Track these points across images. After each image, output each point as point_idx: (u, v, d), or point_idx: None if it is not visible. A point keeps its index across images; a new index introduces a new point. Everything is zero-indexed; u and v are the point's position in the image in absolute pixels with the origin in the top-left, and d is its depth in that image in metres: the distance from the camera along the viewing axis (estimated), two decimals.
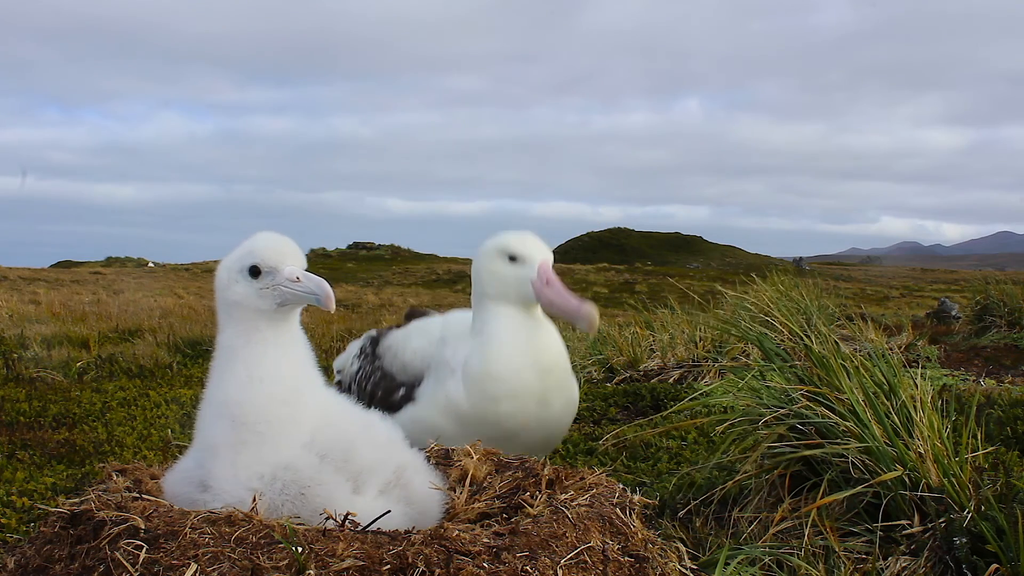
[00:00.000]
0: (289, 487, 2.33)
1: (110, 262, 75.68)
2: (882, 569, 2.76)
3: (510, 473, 2.80)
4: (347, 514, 2.20)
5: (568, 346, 3.58)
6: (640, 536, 2.42)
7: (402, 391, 3.62)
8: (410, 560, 1.99)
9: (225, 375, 2.43)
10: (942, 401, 3.29)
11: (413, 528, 2.31)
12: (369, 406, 2.83)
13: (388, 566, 1.99)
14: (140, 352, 9.32)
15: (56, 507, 2.29)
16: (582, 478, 2.66)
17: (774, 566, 2.81)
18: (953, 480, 2.92)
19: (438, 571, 1.98)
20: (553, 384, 3.34)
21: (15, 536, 3.37)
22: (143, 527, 2.07)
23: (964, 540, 2.70)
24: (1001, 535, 2.64)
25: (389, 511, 2.33)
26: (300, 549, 1.99)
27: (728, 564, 2.72)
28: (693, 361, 7.54)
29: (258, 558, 1.98)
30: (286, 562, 1.97)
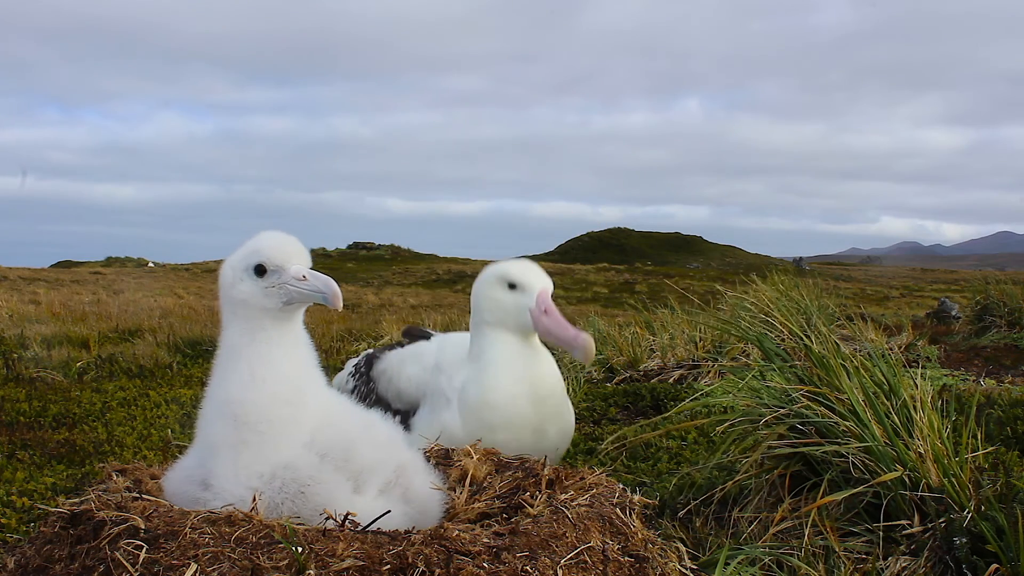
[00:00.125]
0: (289, 486, 2.33)
1: (110, 262, 75.69)
2: (882, 569, 2.76)
3: (510, 473, 2.80)
4: (347, 514, 2.20)
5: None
6: (640, 536, 2.42)
7: (397, 419, 3.63)
8: (410, 560, 1.99)
9: (228, 374, 2.43)
10: (942, 401, 3.29)
11: (413, 528, 2.31)
12: None
13: (388, 566, 1.99)
14: (140, 352, 9.32)
15: (56, 507, 2.29)
16: (582, 478, 2.66)
17: (774, 566, 2.82)
18: (953, 480, 2.92)
19: (438, 571, 1.98)
20: (549, 413, 3.35)
21: (15, 536, 3.37)
22: (143, 527, 2.07)
23: (964, 540, 2.70)
24: (1001, 535, 2.64)
25: (389, 511, 2.34)
26: (300, 549, 1.99)
27: (728, 564, 2.72)
28: (693, 361, 7.54)
29: (258, 558, 1.98)
30: (286, 562, 1.97)
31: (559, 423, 3.41)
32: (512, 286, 3.39)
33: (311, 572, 1.96)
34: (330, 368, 3.02)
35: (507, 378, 3.31)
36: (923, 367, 5.44)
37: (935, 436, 3.07)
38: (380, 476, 2.49)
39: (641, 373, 7.54)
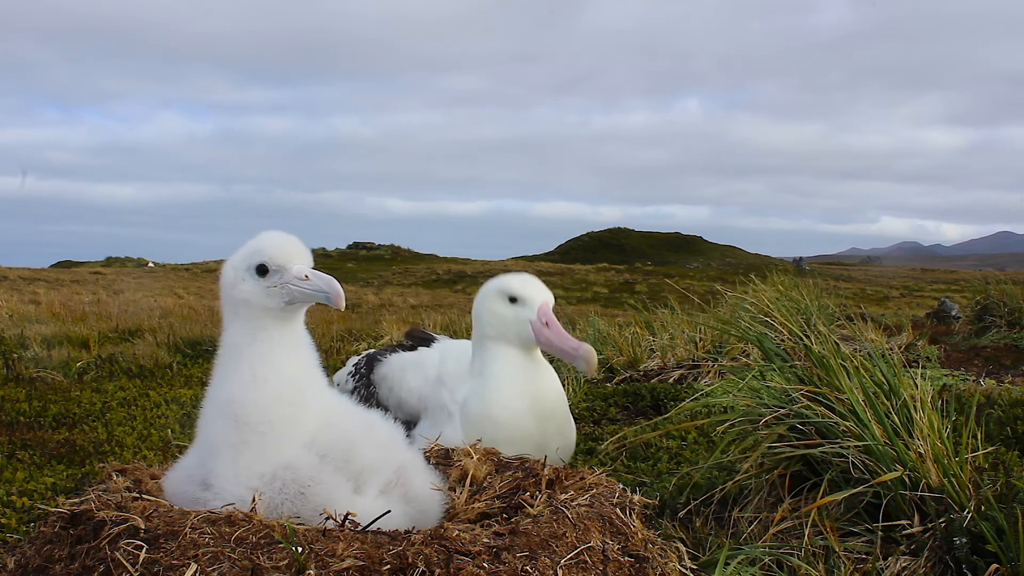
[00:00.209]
0: (289, 486, 2.33)
1: (110, 262, 75.71)
2: (882, 569, 2.76)
3: (510, 473, 2.80)
4: (347, 514, 2.20)
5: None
6: (640, 536, 2.42)
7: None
8: (410, 560, 1.99)
9: (229, 374, 2.43)
10: (942, 401, 3.29)
11: (413, 528, 2.31)
12: None
13: (388, 566, 1.99)
14: (140, 352, 9.32)
15: (56, 507, 2.29)
16: (582, 478, 2.67)
17: (774, 566, 2.82)
18: (953, 480, 2.92)
19: (438, 571, 1.98)
20: (552, 430, 3.35)
21: (15, 536, 3.37)
22: (143, 527, 2.07)
23: (964, 540, 2.70)
24: (1001, 535, 2.64)
25: (389, 511, 2.34)
26: (300, 549, 1.99)
27: (728, 564, 2.72)
28: (693, 361, 7.54)
29: (258, 558, 1.98)
30: (286, 562, 1.97)
31: (561, 437, 3.40)
32: (513, 300, 3.39)
33: (311, 572, 1.96)
34: (330, 368, 3.03)
35: (510, 393, 3.31)
36: (923, 367, 5.44)
37: (935, 436, 3.07)
38: (380, 476, 2.49)
39: (641, 373, 7.54)
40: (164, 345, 10.01)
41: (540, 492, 2.58)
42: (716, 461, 3.67)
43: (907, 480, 2.97)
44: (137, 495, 2.32)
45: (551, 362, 3.58)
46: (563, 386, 3.59)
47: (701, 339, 7.92)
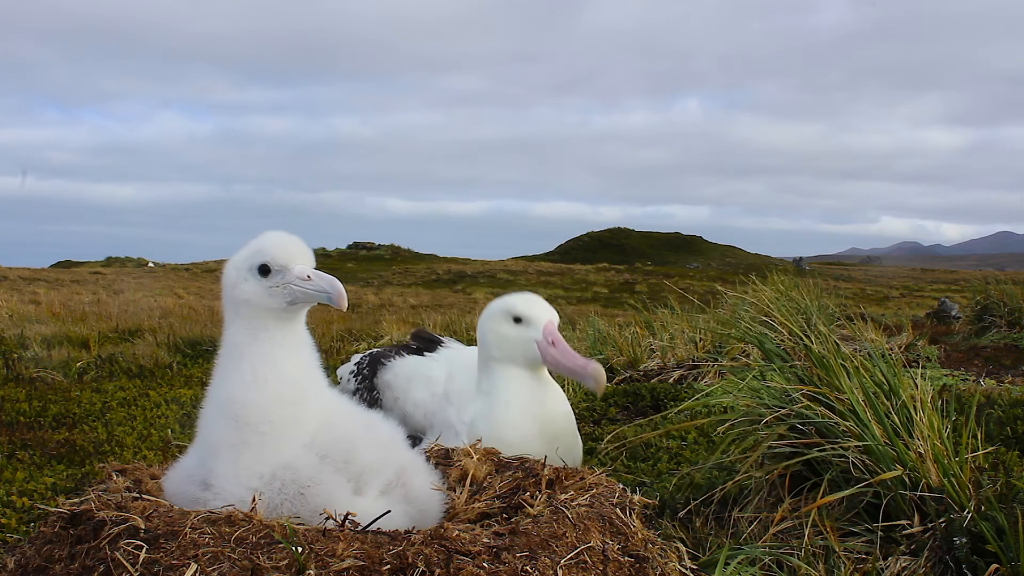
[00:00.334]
0: (288, 487, 2.33)
1: (110, 262, 75.73)
2: (882, 569, 2.76)
3: (510, 473, 2.80)
4: (347, 514, 2.20)
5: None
6: (640, 536, 2.42)
7: None
8: (410, 560, 2.00)
9: (230, 373, 2.43)
10: (942, 401, 3.29)
11: (413, 528, 2.31)
12: None
13: (388, 566, 1.99)
14: (140, 352, 9.32)
15: (56, 507, 2.29)
16: (582, 478, 2.67)
17: (774, 566, 2.81)
18: (953, 480, 2.92)
19: (438, 571, 1.98)
20: (561, 450, 3.31)
21: (15, 536, 3.37)
22: (143, 527, 2.07)
23: (964, 540, 2.70)
24: (1001, 535, 2.64)
25: (389, 511, 2.34)
26: (300, 549, 1.99)
27: (728, 564, 2.72)
28: (693, 361, 7.54)
29: (258, 558, 1.98)
30: (286, 562, 1.97)
31: (569, 456, 3.38)
32: (517, 320, 3.36)
33: (311, 572, 1.96)
34: (330, 368, 3.02)
35: (519, 415, 3.28)
36: (923, 367, 5.44)
37: (935, 436, 3.07)
38: (381, 477, 2.49)
39: (641, 373, 7.54)
40: (164, 345, 10.01)
41: (540, 492, 2.58)
42: (716, 461, 3.67)
43: (907, 480, 2.97)
44: (137, 495, 2.32)
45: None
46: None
47: (701, 339, 7.92)
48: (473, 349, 3.95)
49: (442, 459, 2.96)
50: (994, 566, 2.60)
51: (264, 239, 2.48)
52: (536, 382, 3.38)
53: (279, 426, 2.37)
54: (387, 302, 28.45)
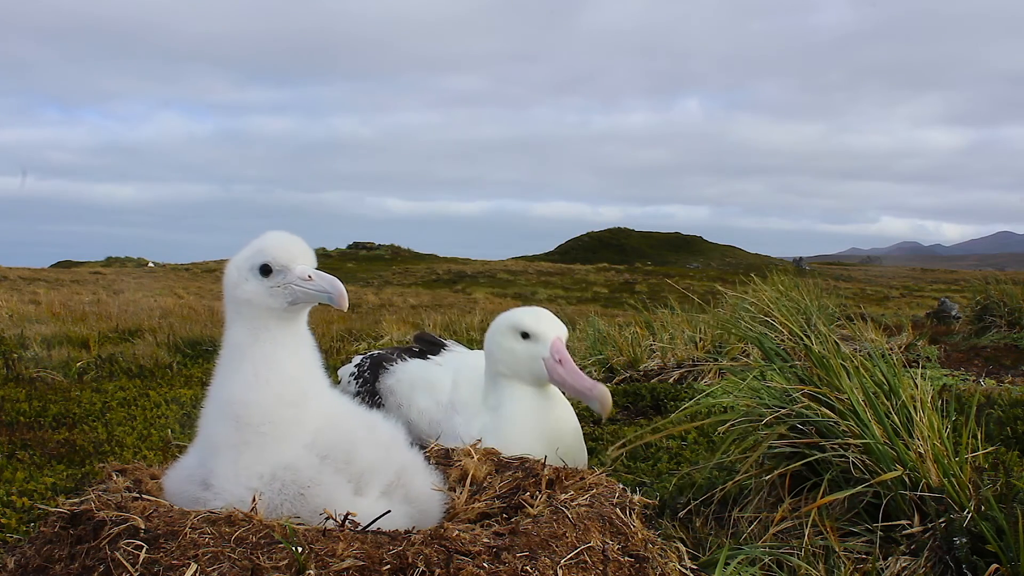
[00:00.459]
0: (288, 487, 2.33)
1: (110, 262, 75.74)
2: (882, 569, 2.76)
3: (510, 473, 2.80)
4: (347, 514, 2.20)
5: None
6: (640, 536, 2.42)
7: None
8: (410, 560, 1.99)
9: (231, 374, 2.43)
10: (942, 401, 3.29)
11: (413, 528, 2.31)
12: None
13: (388, 566, 1.99)
14: (140, 352, 9.32)
15: (56, 507, 2.29)
16: (582, 478, 2.67)
17: (774, 566, 2.81)
18: (953, 480, 2.92)
19: (438, 571, 1.98)
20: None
21: (15, 536, 3.37)
22: (143, 527, 2.07)
23: (964, 540, 2.70)
24: (1001, 535, 2.64)
25: (389, 511, 2.34)
26: (300, 549, 1.99)
27: (728, 564, 2.72)
28: (693, 361, 7.54)
29: (258, 558, 1.98)
30: (286, 562, 1.97)
31: None
32: (525, 335, 3.32)
33: (311, 572, 1.96)
34: (330, 368, 3.02)
35: (526, 433, 3.23)
36: (923, 367, 5.44)
37: (935, 436, 3.07)
38: (382, 478, 2.49)
39: (641, 373, 7.54)
40: (164, 345, 10.01)
41: (540, 492, 2.58)
42: (716, 461, 3.67)
43: (907, 480, 2.97)
44: (137, 495, 2.32)
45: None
46: None
47: (701, 339, 7.92)
48: (476, 353, 3.92)
49: (442, 459, 2.96)
50: (994, 566, 2.60)
51: (265, 239, 2.48)
52: (543, 399, 3.34)
53: (280, 427, 2.37)
54: (387, 302, 28.45)
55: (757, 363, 4.24)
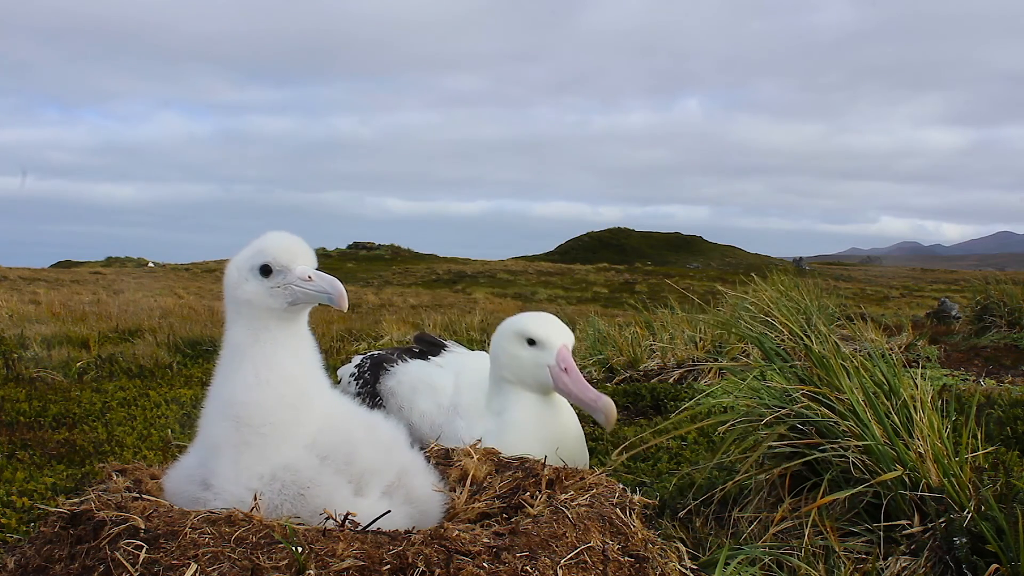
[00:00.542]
0: (288, 488, 2.33)
1: (110, 262, 75.74)
2: (882, 569, 2.76)
3: (510, 473, 2.80)
4: (347, 514, 2.20)
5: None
6: (640, 536, 2.42)
7: None
8: (410, 560, 2.00)
9: (232, 374, 2.43)
10: (942, 401, 3.29)
11: (413, 528, 2.31)
12: None
13: (388, 566, 1.99)
14: (140, 352, 9.32)
15: (56, 507, 2.29)
16: (582, 478, 2.67)
17: (774, 566, 2.82)
18: (953, 480, 2.92)
19: (438, 571, 1.98)
20: None
21: (15, 536, 3.37)
22: (143, 527, 2.07)
23: (964, 540, 2.70)
24: (1001, 535, 2.64)
25: (389, 511, 2.34)
26: (300, 549, 1.99)
27: (728, 564, 2.72)
28: (693, 361, 7.55)
29: (258, 558, 1.98)
30: (286, 562, 1.97)
31: None
32: (531, 342, 3.29)
33: (311, 572, 1.96)
34: (330, 368, 3.03)
35: (530, 439, 3.20)
36: (923, 367, 5.44)
37: (935, 436, 3.07)
38: (382, 478, 2.49)
39: (641, 373, 7.54)
40: (164, 345, 10.01)
41: (540, 492, 2.58)
42: (716, 461, 3.67)
43: (907, 480, 2.97)
44: (137, 495, 2.32)
45: None
46: None
47: (701, 339, 7.92)
48: (476, 355, 3.90)
49: (442, 459, 2.96)
50: (994, 566, 2.60)
51: (266, 239, 2.48)
52: (547, 405, 3.33)
53: (280, 427, 2.37)
54: (387, 302, 28.45)
55: (757, 363, 4.24)
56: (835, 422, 3.20)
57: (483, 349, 4.12)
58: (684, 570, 2.54)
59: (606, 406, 3.12)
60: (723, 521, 3.33)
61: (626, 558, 2.29)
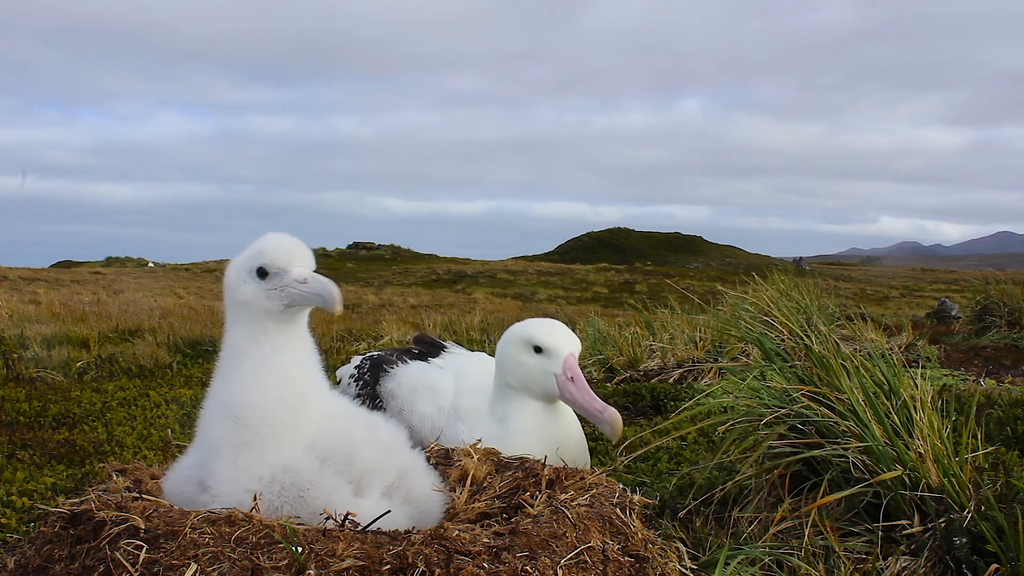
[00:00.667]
0: (288, 490, 2.33)
1: (110, 262, 75.74)
2: (882, 569, 2.76)
3: (510, 473, 2.80)
4: (347, 514, 2.20)
5: None
6: (640, 536, 2.42)
7: None
8: (410, 560, 2.00)
9: (231, 375, 2.43)
10: (942, 401, 3.29)
11: (413, 528, 2.31)
12: None
13: (388, 566, 1.99)
14: (140, 352, 9.32)
15: (56, 507, 2.29)
16: (582, 478, 2.67)
17: (774, 566, 2.82)
18: (953, 480, 2.92)
19: (438, 571, 1.98)
20: None
21: (15, 536, 3.37)
22: (143, 527, 2.07)
23: (964, 540, 2.70)
24: (1001, 535, 2.64)
25: (389, 511, 2.34)
26: (300, 549, 1.99)
27: (728, 564, 2.72)
28: (693, 361, 7.55)
29: (258, 558, 1.98)
30: (286, 562, 1.97)
31: None
32: (538, 349, 3.26)
33: (311, 572, 1.96)
34: (330, 369, 3.02)
35: (532, 448, 3.15)
36: (923, 367, 5.44)
37: (935, 436, 3.07)
38: (382, 479, 2.49)
39: (641, 373, 7.54)
40: (164, 345, 10.01)
41: (540, 492, 2.58)
42: (716, 461, 3.67)
43: (907, 480, 2.97)
44: (137, 495, 2.32)
45: None
46: None
47: (701, 339, 7.92)
48: (476, 356, 3.89)
49: (442, 459, 2.96)
50: (994, 566, 2.60)
51: (264, 241, 2.48)
52: (551, 414, 3.31)
53: (279, 428, 2.37)
54: (387, 302, 28.46)
55: (757, 363, 4.24)
56: (835, 422, 3.20)
57: (483, 349, 4.12)
58: (684, 570, 2.54)
59: (612, 418, 3.09)
60: (723, 521, 3.33)
61: (626, 558, 2.29)
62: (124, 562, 1.99)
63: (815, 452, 3.18)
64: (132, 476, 2.62)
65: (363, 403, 3.64)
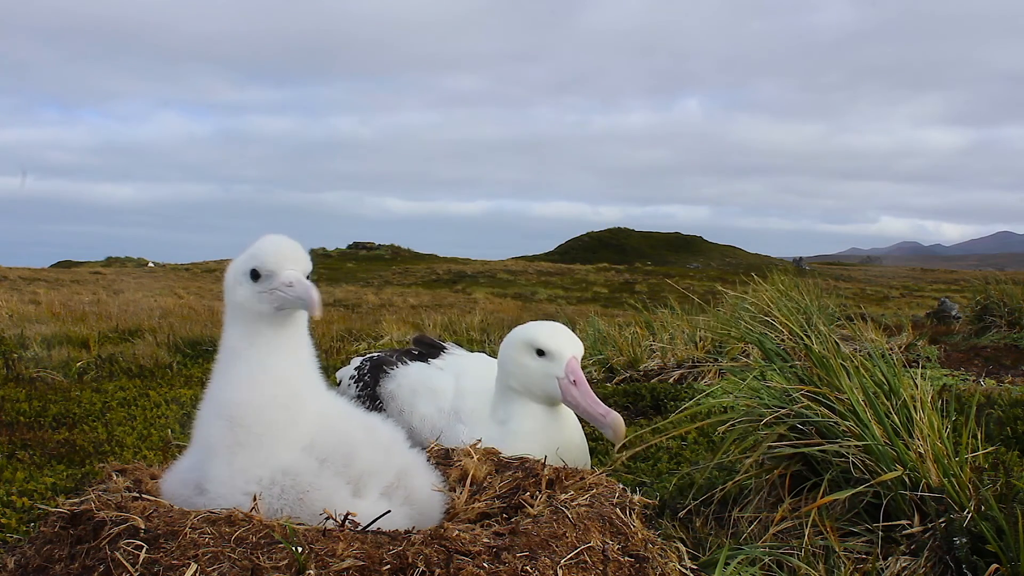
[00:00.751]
0: (288, 492, 2.33)
1: (110, 262, 75.74)
2: (882, 569, 2.76)
3: (510, 473, 2.80)
4: (347, 514, 2.20)
5: None
6: (640, 536, 2.42)
7: None
8: (410, 560, 2.00)
9: (227, 375, 2.44)
10: (942, 401, 3.29)
11: (413, 528, 2.31)
12: None
13: (388, 566, 1.99)
14: (140, 352, 9.32)
15: (56, 507, 2.29)
16: (582, 478, 2.67)
17: (774, 566, 2.82)
18: (953, 480, 2.92)
19: (438, 571, 1.98)
20: None
21: (15, 536, 3.37)
22: (143, 527, 2.07)
23: (964, 540, 2.70)
24: (1001, 535, 2.64)
25: (389, 511, 2.34)
26: (300, 549, 1.99)
27: (728, 564, 2.72)
28: (693, 361, 7.55)
29: (258, 558, 1.98)
30: (286, 562, 1.97)
31: None
32: (540, 352, 3.25)
33: (311, 572, 1.96)
34: (330, 369, 3.02)
35: (533, 451, 3.13)
36: (923, 367, 5.44)
37: (935, 436, 3.07)
38: (382, 480, 2.49)
39: (641, 373, 7.54)
40: (164, 345, 10.01)
41: (540, 492, 2.58)
42: (716, 461, 3.66)
43: (907, 480, 2.97)
44: (137, 495, 2.32)
45: None
46: None
47: (701, 339, 7.92)
48: (476, 356, 3.89)
49: (442, 459, 2.96)
50: (994, 566, 2.60)
51: (260, 244, 2.49)
52: (553, 418, 3.31)
53: (273, 428, 2.37)
54: (387, 302, 28.46)
55: (757, 363, 4.24)
56: (835, 422, 3.20)
57: (483, 349, 4.12)
58: (684, 570, 2.54)
59: (615, 422, 3.09)
60: (723, 521, 3.33)
61: (626, 558, 2.29)
62: (124, 562, 1.99)
63: (815, 449, 3.18)
64: (132, 476, 2.62)
65: (363, 404, 3.64)
